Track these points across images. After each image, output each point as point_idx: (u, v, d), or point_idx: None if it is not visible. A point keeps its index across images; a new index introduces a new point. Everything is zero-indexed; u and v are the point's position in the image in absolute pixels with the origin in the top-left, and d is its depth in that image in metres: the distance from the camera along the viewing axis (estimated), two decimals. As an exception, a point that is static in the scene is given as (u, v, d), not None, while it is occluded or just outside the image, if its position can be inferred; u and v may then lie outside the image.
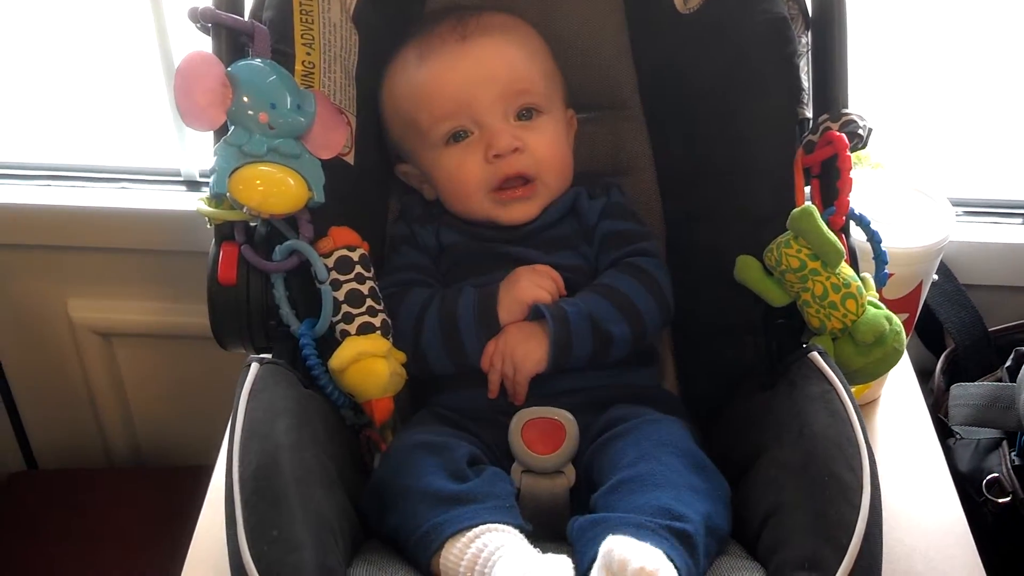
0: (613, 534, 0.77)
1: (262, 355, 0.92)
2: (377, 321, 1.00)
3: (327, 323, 0.98)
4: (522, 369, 1.01)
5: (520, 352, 1.01)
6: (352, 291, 0.99)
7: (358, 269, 1.00)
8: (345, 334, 0.99)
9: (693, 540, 0.81)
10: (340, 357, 0.96)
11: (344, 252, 1.00)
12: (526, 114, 1.08)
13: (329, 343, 0.98)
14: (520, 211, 1.09)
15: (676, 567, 0.77)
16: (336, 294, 0.98)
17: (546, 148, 1.08)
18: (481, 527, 0.82)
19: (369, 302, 1.00)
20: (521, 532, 0.83)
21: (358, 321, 0.99)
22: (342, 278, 0.99)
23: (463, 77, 1.06)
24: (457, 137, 1.08)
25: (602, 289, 1.04)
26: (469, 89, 1.06)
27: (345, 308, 0.99)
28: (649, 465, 0.88)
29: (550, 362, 1.01)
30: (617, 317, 1.02)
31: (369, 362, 0.97)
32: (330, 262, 0.99)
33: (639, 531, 0.79)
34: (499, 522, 0.83)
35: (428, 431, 0.97)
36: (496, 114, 1.07)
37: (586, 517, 0.85)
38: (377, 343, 0.99)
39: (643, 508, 0.83)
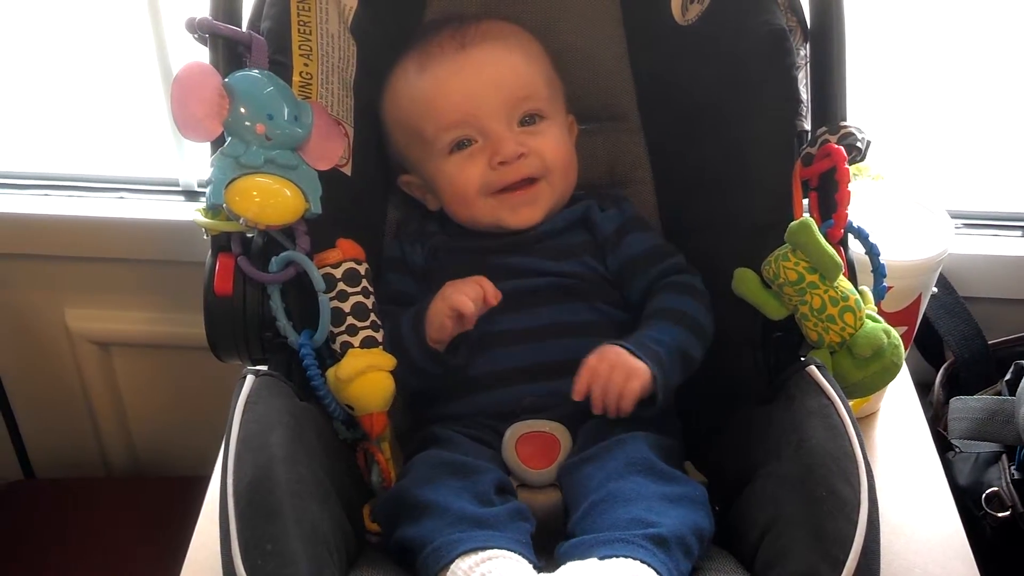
0: (594, 555, 0.80)
1: (258, 367, 0.92)
2: (380, 336, 1.00)
3: (325, 333, 0.97)
4: (627, 402, 0.97)
5: (632, 387, 0.96)
6: (358, 304, 0.99)
7: (364, 283, 1.00)
8: (347, 346, 0.98)
9: (668, 542, 0.81)
10: (349, 367, 0.96)
11: (352, 264, 1.00)
12: (529, 120, 1.08)
13: (324, 355, 0.98)
14: (526, 214, 1.09)
15: (656, 571, 0.79)
16: (342, 305, 0.98)
17: (551, 152, 1.08)
18: (493, 551, 0.82)
19: (373, 316, 1.00)
20: (533, 568, 0.83)
21: (362, 334, 0.99)
22: (350, 290, 0.99)
23: (466, 85, 1.06)
24: (461, 145, 1.07)
25: (678, 316, 1.02)
26: (472, 97, 1.06)
27: (350, 320, 0.98)
28: (617, 484, 0.89)
29: (657, 406, 0.98)
30: (696, 343, 1.02)
31: (376, 375, 0.97)
32: (338, 273, 0.99)
33: (616, 545, 0.81)
34: (512, 551, 0.83)
35: (458, 451, 0.97)
36: (500, 121, 1.06)
37: (569, 541, 0.85)
38: (385, 358, 0.99)
39: (617, 524, 0.84)
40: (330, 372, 0.97)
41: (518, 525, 0.88)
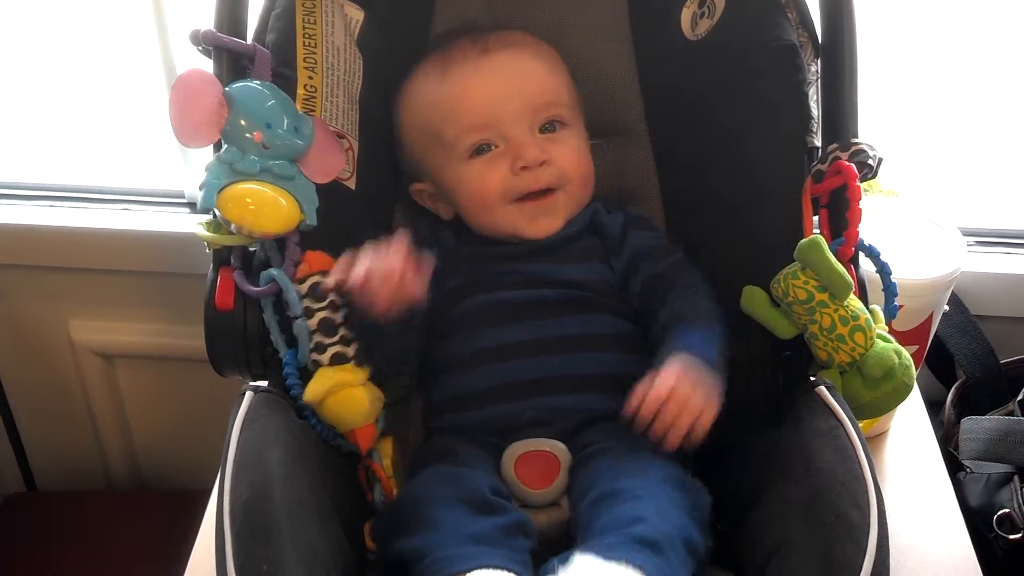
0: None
1: (257, 383, 0.91)
2: (351, 351, 0.96)
3: (306, 356, 0.95)
4: (705, 423, 0.91)
5: (704, 421, 0.92)
6: (324, 320, 0.95)
7: (331, 297, 0.96)
8: (317, 365, 0.95)
9: (661, 546, 0.80)
10: (312, 390, 0.93)
11: (317, 278, 0.96)
12: (550, 127, 1.08)
13: (308, 375, 0.96)
14: (544, 224, 1.07)
15: (646, 572, 0.77)
16: (308, 323, 0.95)
17: (571, 160, 1.07)
18: (488, 571, 0.81)
19: (342, 331, 0.96)
20: None
21: (330, 351, 0.95)
22: (314, 306, 0.95)
23: (489, 89, 1.06)
24: (481, 150, 1.06)
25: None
26: (496, 101, 1.05)
27: (317, 338, 0.95)
28: (631, 480, 0.87)
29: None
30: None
31: (346, 392, 0.95)
32: (303, 288, 0.95)
33: (608, 551, 0.79)
34: (509, 571, 0.81)
35: (456, 460, 0.95)
36: (523, 126, 1.06)
37: (560, 555, 0.82)
38: (353, 374, 0.95)
39: (619, 519, 0.83)
40: (304, 394, 0.94)
41: (516, 542, 0.87)
